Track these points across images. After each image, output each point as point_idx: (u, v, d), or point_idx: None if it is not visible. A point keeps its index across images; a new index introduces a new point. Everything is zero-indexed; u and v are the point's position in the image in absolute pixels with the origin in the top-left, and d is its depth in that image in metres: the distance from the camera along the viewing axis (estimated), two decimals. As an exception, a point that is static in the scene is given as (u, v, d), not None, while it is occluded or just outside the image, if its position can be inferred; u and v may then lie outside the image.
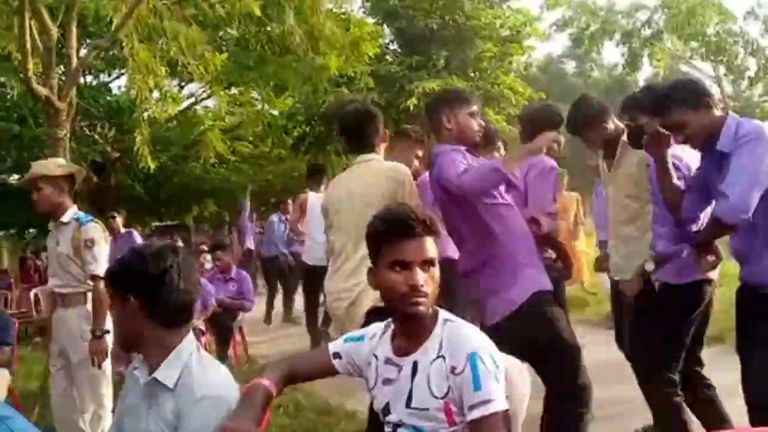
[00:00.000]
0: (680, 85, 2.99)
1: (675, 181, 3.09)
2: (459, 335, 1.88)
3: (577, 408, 3.05)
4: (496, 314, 3.06)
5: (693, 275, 3.19)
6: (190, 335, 2.03)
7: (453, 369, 1.81)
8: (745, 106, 34.09)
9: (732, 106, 31.83)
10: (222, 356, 7.03)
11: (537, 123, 3.76)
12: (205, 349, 6.42)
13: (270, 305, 9.62)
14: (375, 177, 3.41)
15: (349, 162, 3.73)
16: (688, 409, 3.27)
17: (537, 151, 3.22)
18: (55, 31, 6.43)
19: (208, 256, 9.13)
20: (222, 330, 7.06)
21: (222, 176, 17.25)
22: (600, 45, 12.05)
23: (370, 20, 12.87)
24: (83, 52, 9.30)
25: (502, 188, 3.12)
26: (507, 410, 1.80)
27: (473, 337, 1.89)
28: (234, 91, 12.49)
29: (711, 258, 3.02)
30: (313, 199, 7.19)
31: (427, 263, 1.88)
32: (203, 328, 6.78)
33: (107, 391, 4.12)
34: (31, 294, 10.41)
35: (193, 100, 15.64)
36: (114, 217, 8.66)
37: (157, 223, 20.76)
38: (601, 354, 4.86)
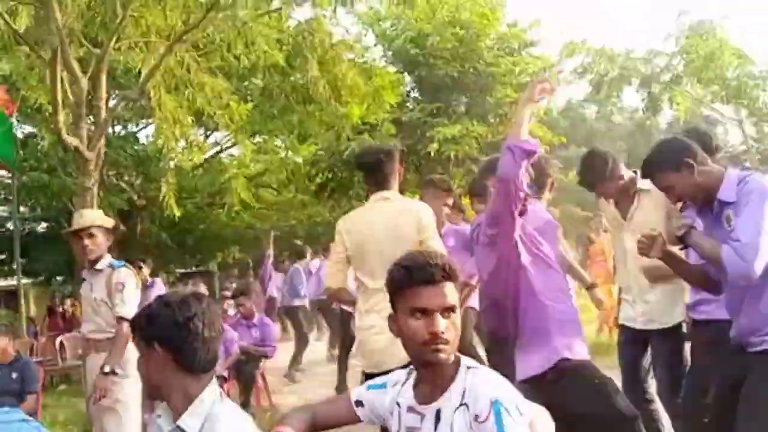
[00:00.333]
0: (661, 148, 2.97)
1: (693, 262, 3.01)
2: (482, 383, 1.87)
3: None
4: (520, 373, 3.00)
5: None
6: (214, 383, 2.04)
7: (476, 417, 1.79)
8: (769, 147, 33.91)
9: (755, 148, 31.70)
10: (245, 403, 7.01)
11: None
12: (228, 396, 6.44)
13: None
14: (400, 216, 3.51)
15: (366, 200, 3.80)
16: None
17: (532, 101, 2.97)
18: (85, 83, 6.65)
19: (232, 302, 9.16)
20: (245, 377, 7.04)
21: (246, 223, 17.42)
22: (619, 90, 12.12)
23: (392, 68, 13.09)
24: (112, 102, 9.57)
25: (547, 249, 3.05)
26: (531, 459, 1.78)
27: (497, 385, 1.87)
28: (258, 139, 12.69)
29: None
30: None
31: (447, 310, 1.87)
32: (226, 375, 6.78)
33: None
34: (57, 342, 10.50)
35: (218, 148, 15.92)
36: (140, 267, 8.76)
37: (182, 270, 20.93)
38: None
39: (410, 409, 1.95)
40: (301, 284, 10.31)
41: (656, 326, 3.64)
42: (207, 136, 15.06)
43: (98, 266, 4.30)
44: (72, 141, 6.23)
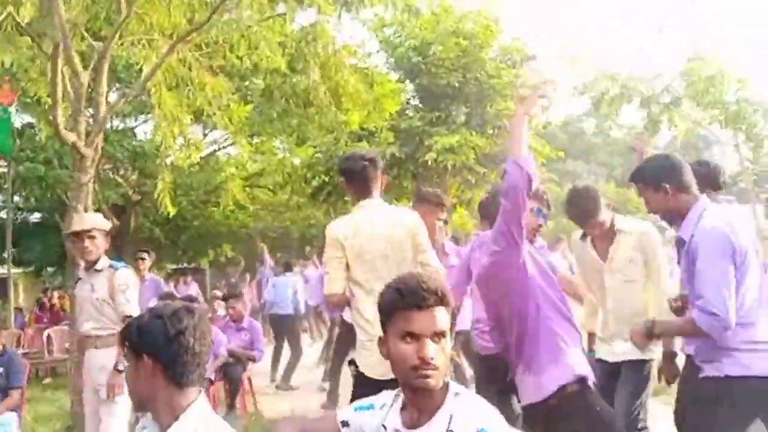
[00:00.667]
0: (652, 164, 3.14)
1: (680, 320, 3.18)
2: (469, 410, 1.86)
3: None
4: (526, 397, 2.98)
5: None
6: (202, 397, 2.03)
7: None
8: (766, 169, 34.02)
9: (751, 170, 31.80)
10: (230, 406, 6.99)
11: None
12: (214, 398, 6.41)
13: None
14: (397, 223, 3.63)
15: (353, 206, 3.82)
16: None
17: (529, 108, 2.79)
18: (86, 78, 6.61)
19: (222, 303, 9.14)
20: (231, 380, 7.02)
21: (240, 222, 17.40)
22: (619, 109, 12.16)
23: (394, 75, 13.09)
24: (112, 96, 9.54)
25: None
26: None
27: (483, 413, 1.87)
28: (256, 140, 12.67)
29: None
30: None
31: (438, 335, 1.86)
32: (212, 377, 6.76)
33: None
34: (44, 335, 10.47)
35: (216, 146, 15.89)
36: (143, 258, 8.71)
37: (173, 266, 20.88)
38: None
39: (397, 433, 1.94)
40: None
41: (630, 357, 3.68)
42: (205, 135, 15.03)
43: (98, 267, 4.53)
44: (70, 137, 6.20)
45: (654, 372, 3.70)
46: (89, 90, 6.89)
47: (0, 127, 8.47)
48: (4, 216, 12.91)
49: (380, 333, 1.96)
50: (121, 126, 14.31)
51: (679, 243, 3.05)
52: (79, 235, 4.54)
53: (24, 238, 15.08)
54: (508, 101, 13.28)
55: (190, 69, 7.80)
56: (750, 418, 2.84)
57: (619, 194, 26.20)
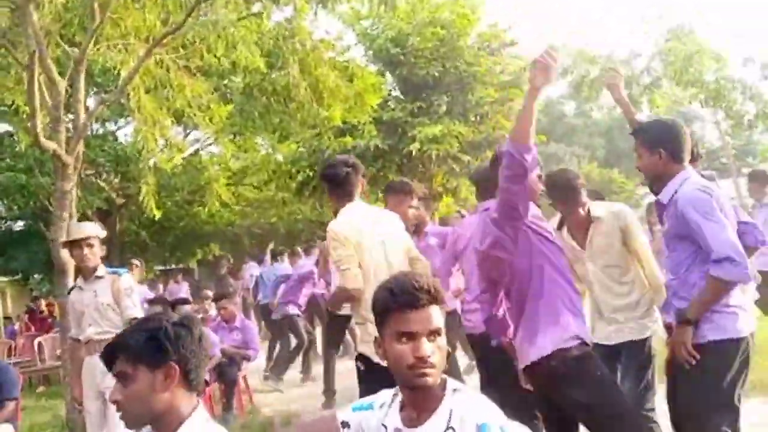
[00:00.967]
0: (655, 125, 3.24)
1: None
2: (468, 406, 1.88)
3: None
4: (525, 358, 3.02)
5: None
6: (200, 402, 2.04)
7: None
8: (746, 143, 34.35)
9: (731, 145, 32.10)
10: (227, 406, 7.00)
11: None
12: (210, 399, 6.41)
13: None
14: (386, 220, 3.88)
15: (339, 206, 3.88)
16: None
17: (540, 82, 2.73)
18: (63, 86, 6.55)
19: (213, 303, 9.11)
20: (227, 380, 7.03)
21: (226, 220, 17.36)
22: (599, 91, 12.20)
23: (372, 67, 13.06)
24: (90, 101, 9.47)
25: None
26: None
27: (482, 408, 1.89)
28: (238, 138, 12.62)
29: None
30: None
31: (433, 333, 1.88)
32: (207, 378, 6.77)
33: None
34: (35, 343, 10.41)
35: (198, 146, 15.82)
36: (136, 265, 8.68)
37: (161, 268, 20.80)
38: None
39: None
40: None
41: (627, 338, 3.75)
42: (186, 135, 14.95)
43: (98, 273, 4.70)
44: (50, 145, 6.14)
45: (659, 347, 3.71)
46: (67, 96, 6.84)
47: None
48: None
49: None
50: (102, 130, 14.20)
51: (659, 206, 3.15)
52: (77, 244, 4.68)
53: (9, 247, 14.98)
54: (489, 88, 13.33)
55: (168, 71, 7.74)
56: (735, 380, 2.91)
57: (602, 175, 26.35)
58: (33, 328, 13.43)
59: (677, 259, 3.02)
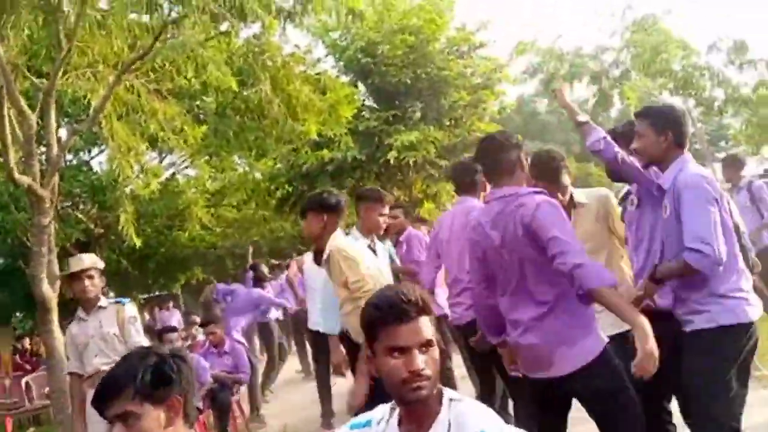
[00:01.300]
0: (666, 108, 3.32)
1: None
2: (467, 415, 1.87)
3: None
4: (565, 366, 2.94)
5: None
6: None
7: None
8: (717, 129, 34.81)
9: (704, 130, 32.48)
10: (222, 431, 6.91)
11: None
12: (204, 426, 6.35)
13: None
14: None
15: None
16: None
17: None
18: (34, 119, 6.45)
19: (201, 329, 9.01)
20: (220, 405, 6.95)
21: (208, 243, 17.22)
22: (570, 88, 12.24)
23: (344, 78, 13.06)
24: (62, 132, 9.33)
25: None
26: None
27: (481, 417, 1.87)
28: (215, 159, 12.54)
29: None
30: (309, 259, 7.18)
31: (425, 345, 1.86)
32: (200, 405, 6.67)
33: None
34: (23, 383, 10.22)
35: (173, 170, 15.67)
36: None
37: (145, 296, 20.58)
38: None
39: (397, 448, 1.94)
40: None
41: (609, 332, 3.72)
42: (162, 159, 14.82)
43: (101, 304, 4.75)
44: (24, 180, 6.04)
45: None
46: (38, 129, 6.73)
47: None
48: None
49: None
50: (75, 161, 14.02)
51: (659, 191, 3.18)
52: (77, 276, 4.70)
53: (-13, 287, 14.71)
54: (461, 92, 13.39)
55: (138, 96, 7.66)
56: (744, 364, 2.97)
57: (580, 169, 26.55)
58: (23, 367, 13.21)
59: (678, 243, 3.02)
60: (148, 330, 8.42)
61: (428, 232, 6.29)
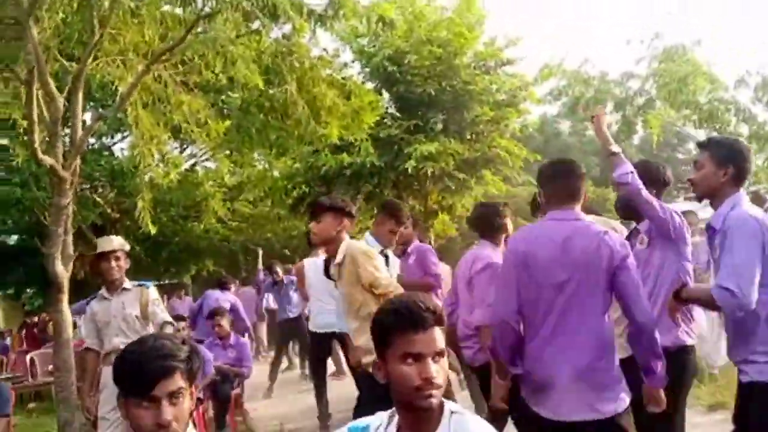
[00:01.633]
0: (731, 142, 3.18)
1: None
2: (466, 428, 1.89)
3: None
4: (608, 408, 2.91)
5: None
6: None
7: None
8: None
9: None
10: (219, 425, 6.95)
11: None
12: (203, 417, 6.40)
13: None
14: None
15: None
16: None
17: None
18: (61, 102, 6.55)
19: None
20: (220, 397, 7.00)
21: (221, 236, 17.30)
22: (606, 113, 12.11)
23: (369, 85, 13.10)
24: (87, 116, 9.44)
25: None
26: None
27: (480, 430, 1.90)
28: (235, 154, 12.64)
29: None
30: (310, 264, 7.24)
31: (438, 354, 1.89)
32: (201, 396, 6.73)
33: None
34: (27, 358, 10.33)
35: (194, 161, 15.80)
36: None
37: (155, 283, 20.65)
38: None
39: (394, 456, 1.96)
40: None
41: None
42: (183, 150, 14.94)
43: (126, 286, 4.93)
44: (47, 160, 6.13)
45: None
46: (65, 111, 6.83)
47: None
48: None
49: None
50: (98, 145, 14.18)
51: (710, 230, 3.04)
52: (105, 257, 4.89)
53: (2, 262, 14.88)
54: (484, 107, 13.39)
55: (165, 87, 7.74)
56: None
57: (597, 194, 26.42)
58: (25, 343, 13.34)
59: None
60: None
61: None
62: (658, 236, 3.50)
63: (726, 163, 2.98)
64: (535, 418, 2.98)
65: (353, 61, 13.95)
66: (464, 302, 4.49)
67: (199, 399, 6.50)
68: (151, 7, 7.15)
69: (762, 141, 10.80)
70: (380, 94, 12.97)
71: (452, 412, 1.92)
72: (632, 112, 11.70)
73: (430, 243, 7.72)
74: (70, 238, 6.51)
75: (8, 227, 14.59)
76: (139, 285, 5.02)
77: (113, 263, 4.87)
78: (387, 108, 13.83)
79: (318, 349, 7.31)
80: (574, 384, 2.85)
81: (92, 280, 9.88)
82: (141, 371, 1.85)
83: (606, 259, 2.88)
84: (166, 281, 20.78)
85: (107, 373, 4.69)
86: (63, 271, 6.14)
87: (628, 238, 3.68)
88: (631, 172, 3.49)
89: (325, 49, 9.14)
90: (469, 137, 13.67)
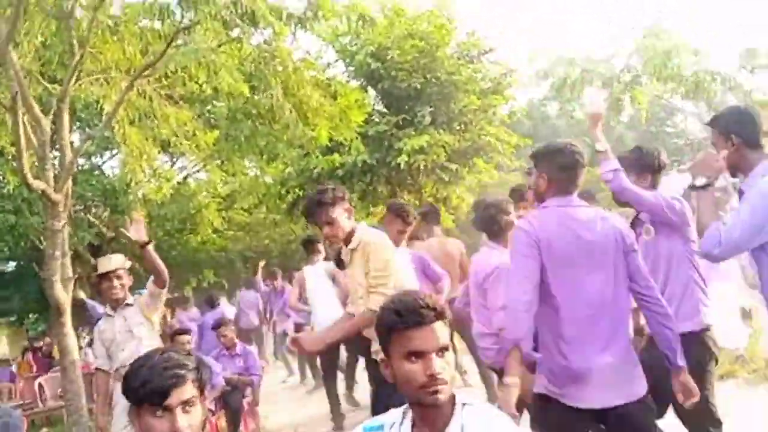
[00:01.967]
0: (727, 112, 3.10)
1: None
2: (480, 420, 1.88)
3: None
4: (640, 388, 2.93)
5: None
6: None
7: None
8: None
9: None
10: (233, 433, 6.95)
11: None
12: (216, 428, 6.38)
13: None
14: None
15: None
16: None
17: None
18: (48, 125, 6.52)
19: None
20: (232, 407, 6.99)
21: (219, 246, 17.31)
22: (580, 92, 12.23)
23: (354, 83, 13.09)
24: (75, 137, 9.45)
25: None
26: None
27: (494, 420, 1.89)
28: (226, 163, 12.64)
29: None
30: (309, 272, 7.24)
31: (442, 350, 1.87)
32: (213, 407, 6.72)
33: None
34: (36, 384, 10.31)
35: (186, 173, 15.76)
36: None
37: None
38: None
39: (410, 452, 1.95)
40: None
41: None
42: (173, 163, 14.91)
43: (129, 301, 4.87)
44: (39, 185, 6.10)
45: None
46: (52, 134, 6.80)
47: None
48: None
49: None
50: (88, 165, 14.15)
51: (741, 195, 2.93)
52: (106, 277, 4.84)
53: (2, 289, 14.87)
54: (471, 96, 13.38)
55: (151, 101, 7.72)
56: None
57: (589, 173, 26.38)
58: (35, 368, 13.30)
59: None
60: (163, 332, 8.45)
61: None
62: (660, 224, 3.49)
63: (728, 133, 2.93)
64: (562, 409, 2.90)
65: (336, 61, 13.94)
66: (475, 304, 4.49)
67: (210, 410, 6.49)
68: (129, 24, 7.13)
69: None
70: (366, 92, 12.96)
71: (464, 404, 1.92)
72: (619, 89, 11.71)
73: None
74: (68, 261, 6.50)
75: (5, 254, 14.56)
76: (137, 294, 5.04)
77: (115, 282, 4.84)
78: (374, 105, 13.83)
79: (327, 352, 7.30)
80: (613, 372, 2.83)
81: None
82: (153, 382, 1.86)
83: (621, 242, 2.91)
84: (168, 296, 20.80)
85: (118, 389, 4.70)
86: (63, 294, 6.13)
87: (631, 226, 3.65)
88: (614, 170, 3.48)
89: (308, 51, 9.14)
90: (458, 127, 13.68)
